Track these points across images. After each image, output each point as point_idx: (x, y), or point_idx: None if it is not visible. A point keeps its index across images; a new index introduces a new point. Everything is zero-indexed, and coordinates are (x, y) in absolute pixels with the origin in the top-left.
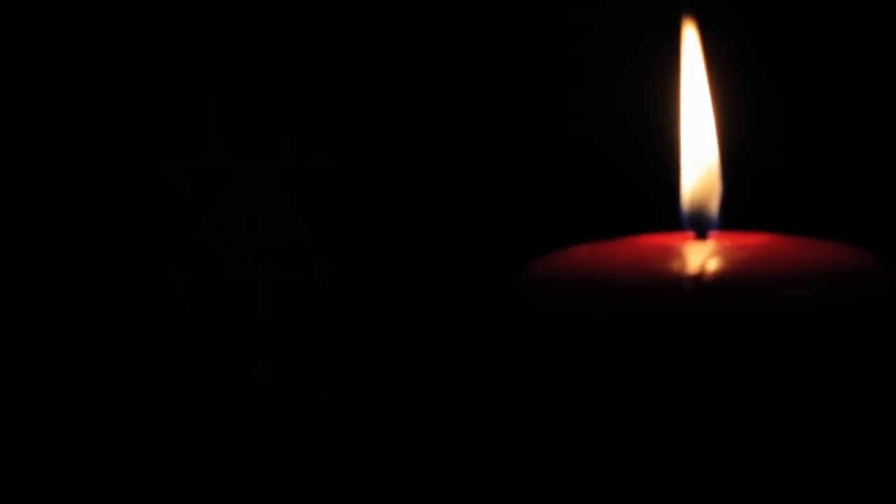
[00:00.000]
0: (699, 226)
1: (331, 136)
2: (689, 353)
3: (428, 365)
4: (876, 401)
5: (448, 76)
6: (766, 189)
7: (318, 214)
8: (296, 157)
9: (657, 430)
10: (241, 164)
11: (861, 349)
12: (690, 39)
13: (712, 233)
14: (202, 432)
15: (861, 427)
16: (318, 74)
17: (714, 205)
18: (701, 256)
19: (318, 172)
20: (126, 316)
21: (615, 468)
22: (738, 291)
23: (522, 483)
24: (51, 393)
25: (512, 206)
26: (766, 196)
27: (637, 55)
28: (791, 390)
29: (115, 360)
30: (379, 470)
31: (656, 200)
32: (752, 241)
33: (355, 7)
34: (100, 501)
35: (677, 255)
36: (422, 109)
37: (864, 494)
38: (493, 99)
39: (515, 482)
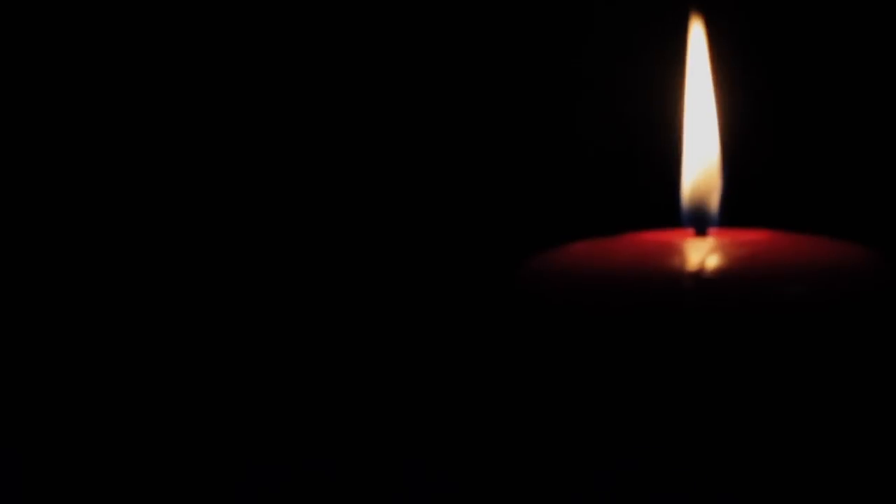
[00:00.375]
0: (699, 223)
1: (328, 131)
2: (689, 349)
3: (426, 361)
4: (875, 395)
5: (446, 71)
6: (765, 187)
7: (316, 210)
8: (294, 152)
9: (657, 424)
10: (236, 162)
11: (860, 344)
12: (697, 37)
13: (712, 230)
14: (199, 432)
15: (859, 421)
16: (322, 72)
17: (714, 202)
18: (701, 253)
19: (317, 168)
20: (124, 317)
21: (614, 463)
22: (737, 288)
23: (521, 476)
24: (50, 392)
25: (512, 203)
26: (766, 193)
27: (640, 52)
28: (790, 385)
29: (112, 361)
30: (376, 466)
31: (656, 197)
32: (752, 237)
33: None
34: (99, 501)
35: (677, 251)
36: (421, 105)
37: (863, 489)
38: (493, 95)
39: (514, 476)
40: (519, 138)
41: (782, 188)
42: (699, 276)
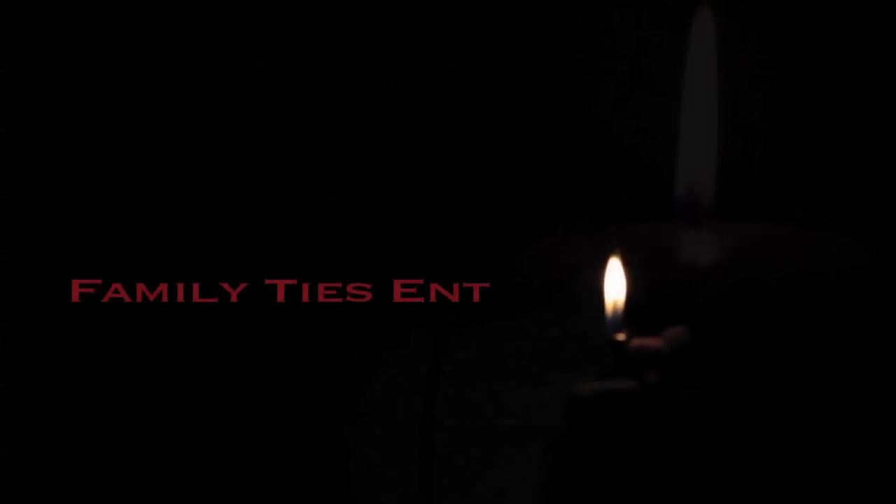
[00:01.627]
0: (693, 215)
1: (325, 120)
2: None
3: (425, 347)
4: (860, 380)
5: (441, 65)
6: (758, 181)
7: (314, 201)
8: (291, 143)
9: (651, 407)
10: (233, 161)
11: (850, 332)
12: (699, 30)
13: (706, 222)
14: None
15: (847, 405)
16: (327, 68)
17: (708, 195)
18: (694, 244)
19: (315, 156)
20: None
21: (611, 445)
22: (730, 277)
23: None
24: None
25: (511, 193)
26: (759, 187)
27: (637, 45)
28: (781, 372)
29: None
30: (375, 458)
31: (652, 190)
32: (744, 230)
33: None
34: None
35: (672, 242)
36: (423, 100)
37: (852, 473)
38: (493, 89)
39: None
40: (517, 130)
41: (775, 182)
42: (693, 266)
